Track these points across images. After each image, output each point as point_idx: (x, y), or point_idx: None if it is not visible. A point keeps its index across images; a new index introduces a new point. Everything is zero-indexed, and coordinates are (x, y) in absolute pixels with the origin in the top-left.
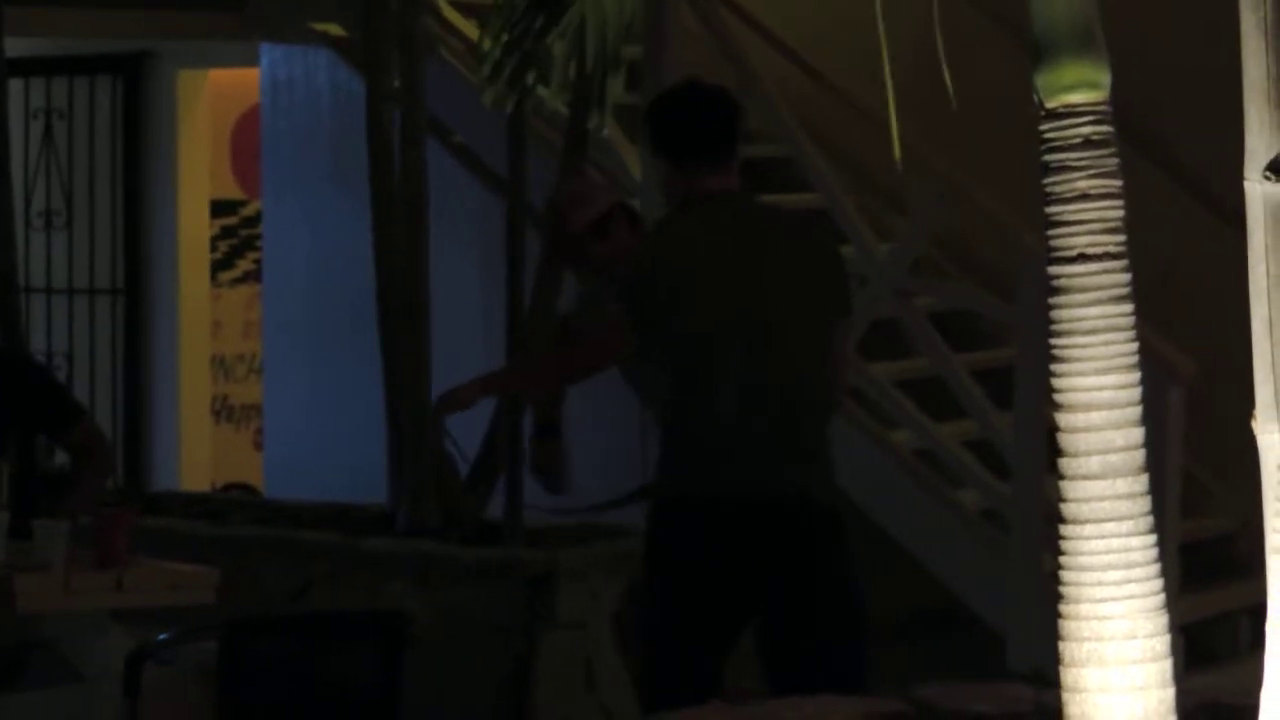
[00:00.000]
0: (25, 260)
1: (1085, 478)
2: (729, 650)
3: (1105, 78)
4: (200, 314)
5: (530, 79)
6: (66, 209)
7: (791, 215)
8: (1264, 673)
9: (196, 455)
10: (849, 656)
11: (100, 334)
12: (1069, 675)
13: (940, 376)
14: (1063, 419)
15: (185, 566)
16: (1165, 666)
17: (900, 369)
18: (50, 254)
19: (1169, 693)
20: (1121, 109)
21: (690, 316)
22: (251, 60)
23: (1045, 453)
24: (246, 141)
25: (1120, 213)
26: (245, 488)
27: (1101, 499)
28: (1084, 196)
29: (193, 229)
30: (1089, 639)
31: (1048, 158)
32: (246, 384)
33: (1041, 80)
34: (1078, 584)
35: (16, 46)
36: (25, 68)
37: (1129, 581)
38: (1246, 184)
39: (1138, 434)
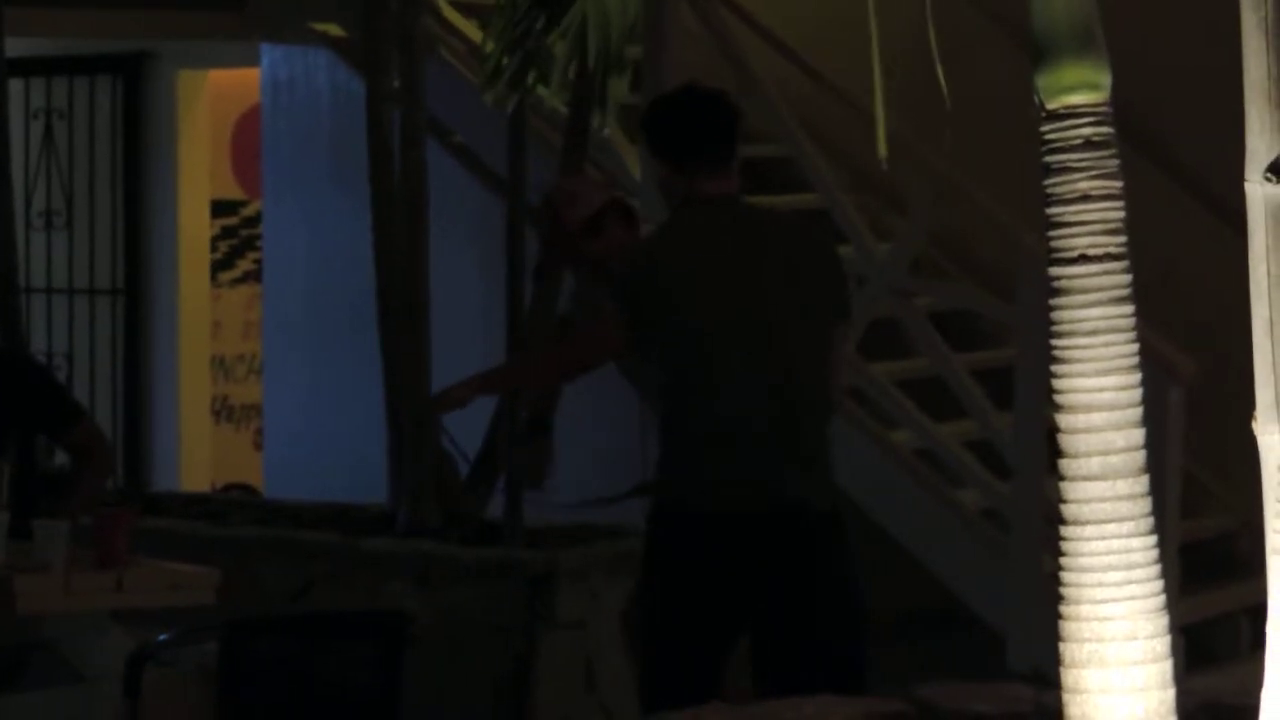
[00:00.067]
0: (25, 260)
1: (1086, 479)
2: (729, 651)
3: (1106, 79)
4: (200, 314)
5: (530, 79)
6: (66, 209)
7: (791, 218)
8: (1264, 673)
9: (196, 455)
10: (849, 657)
11: (100, 334)
12: (1069, 676)
13: (940, 376)
14: (1063, 420)
15: (185, 567)
16: (1166, 667)
17: (900, 369)
18: (50, 254)
19: (1169, 693)
20: (1122, 109)
21: (689, 318)
22: (251, 60)
23: (1045, 453)
24: (246, 142)
25: (1121, 214)
26: (245, 488)
27: (1102, 500)
28: (1085, 198)
29: (193, 229)
30: (1089, 640)
31: (1048, 159)
32: (246, 384)
33: (1042, 81)
34: (1078, 585)
35: (16, 46)
36: (25, 68)
37: (1129, 582)
38: (1247, 185)
39: (1138, 435)
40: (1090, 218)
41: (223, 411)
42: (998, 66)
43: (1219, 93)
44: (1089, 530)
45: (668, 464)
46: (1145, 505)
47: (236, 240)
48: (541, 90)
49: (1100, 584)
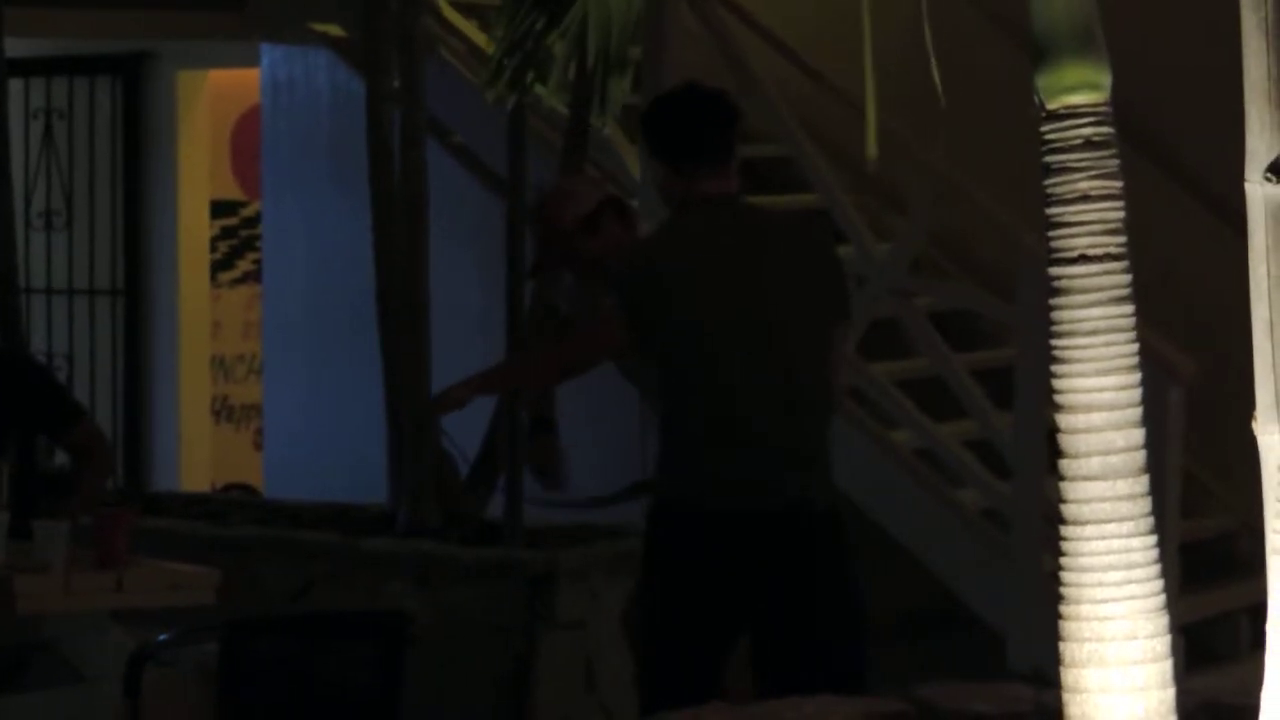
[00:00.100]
0: (25, 261)
1: (1086, 478)
2: (728, 651)
3: (1106, 79)
4: (200, 314)
5: (529, 79)
6: (66, 209)
7: (790, 218)
8: (1264, 672)
9: (196, 456)
10: (849, 657)
11: (100, 335)
12: (1069, 675)
13: (940, 376)
14: (1063, 420)
15: (185, 567)
16: (1166, 667)
17: (900, 369)
18: (50, 255)
19: (1169, 693)
20: (1122, 110)
21: (689, 318)
22: (251, 61)
23: (1045, 453)
24: (246, 142)
25: (1121, 214)
26: (245, 488)
27: (1102, 500)
28: (1085, 198)
29: (193, 229)
30: (1089, 639)
31: (1049, 159)
32: (246, 384)
33: (1042, 81)
34: (1078, 584)
35: (16, 47)
36: (25, 68)
37: (1129, 582)
38: (1247, 185)
39: (1138, 435)
40: (1090, 218)
41: (223, 412)
42: (998, 66)
43: (1219, 93)
44: (1089, 530)
45: (667, 463)
46: (1145, 505)
47: (236, 240)
48: (540, 90)
49: (1100, 583)
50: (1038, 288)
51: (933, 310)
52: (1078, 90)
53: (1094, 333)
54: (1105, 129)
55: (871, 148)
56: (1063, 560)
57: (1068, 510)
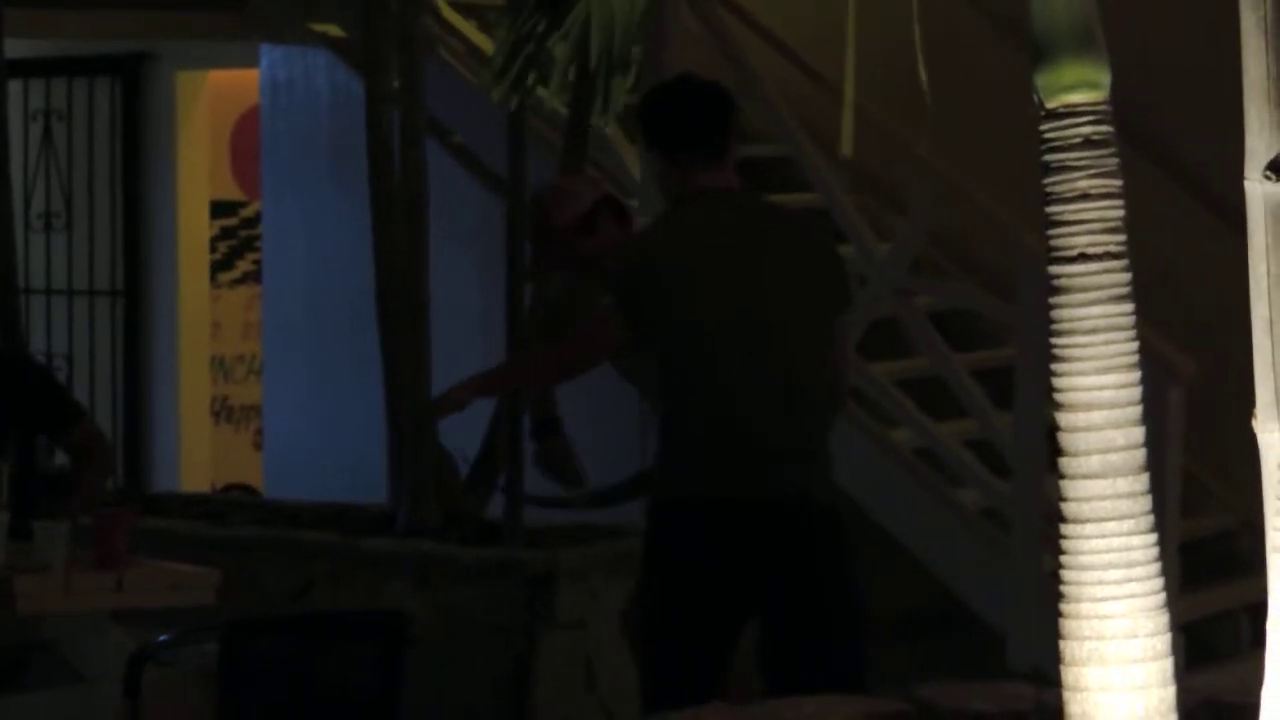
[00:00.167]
0: (25, 262)
1: (1086, 477)
2: (730, 650)
3: (1105, 77)
4: (200, 315)
5: (530, 80)
6: (66, 210)
7: (789, 211)
8: (1265, 671)
9: (196, 456)
10: (849, 656)
11: (100, 335)
12: (1070, 674)
13: (940, 376)
14: (1063, 418)
15: (185, 567)
16: (1166, 665)
17: (900, 368)
18: (50, 255)
19: (1170, 691)
20: (1121, 108)
21: (689, 317)
22: (251, 61)
23: (1045, 452)
24: (246, 142)
25: (1120, 212)
26: (245, 488)
27: (1102, 498)
28: (1084, 196)
29: (192, 230)
30: (1090, 638)
31: (1048, 158)
32: (246, 385)
33: (1041, 80)
34: (1078, 583)
35: (16, 48)
36: (24, 69)
37: (1130, 580)
38: (1247, 184)
39: (1138, 433)
40: (1090, 216)
41: (222, 412)
42: (997, 66)
43: (1218, 91)
44: (1089, 528)
45: (667, 461)
46: (1145, 503)
47: (236, 241)
48: (541, 91)
49: (1100, 582)
50: (1037, 286)
51: (932, 310)
52: (1077, 89)
53: (1094, 331)
54: (1104, 128)
55: (847, 144)
56: (1063, 559)
57: (1068, 509)
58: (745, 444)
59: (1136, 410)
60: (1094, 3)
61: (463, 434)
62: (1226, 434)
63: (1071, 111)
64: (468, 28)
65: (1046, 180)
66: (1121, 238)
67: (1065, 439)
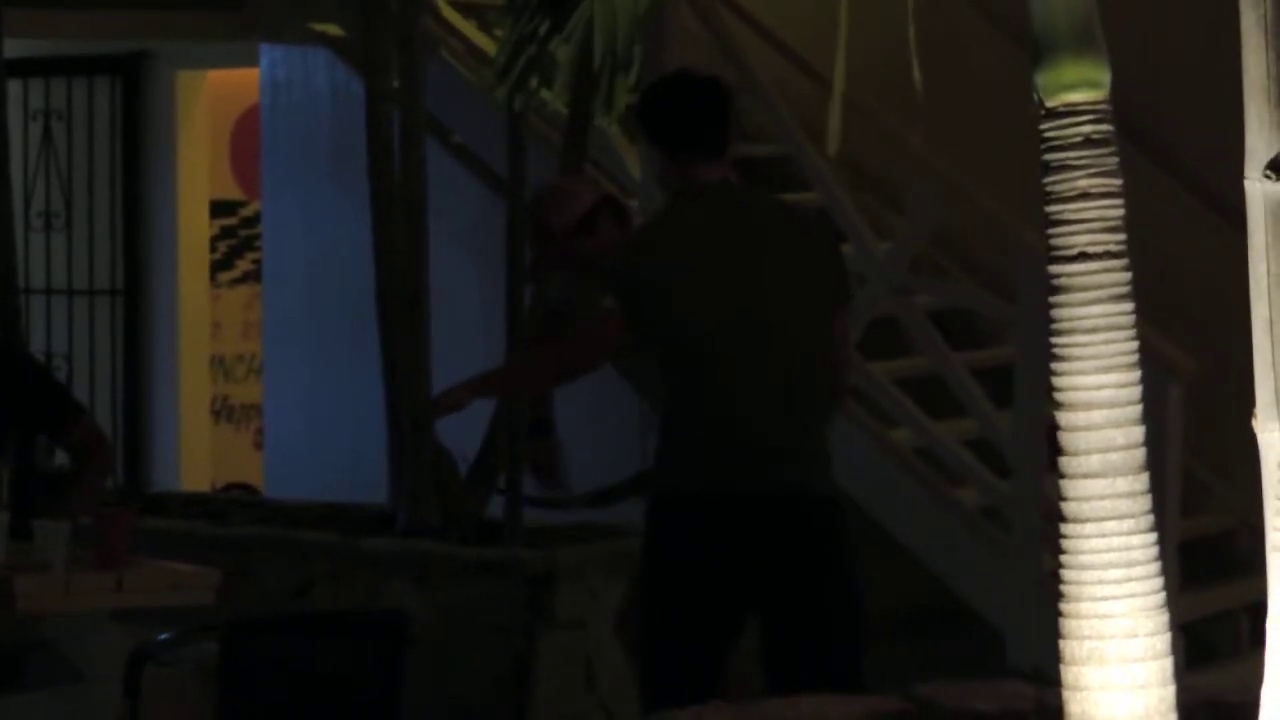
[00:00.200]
0: (25, 261)
1: (1086, 476)
2: (729, 648)
3: (1105, 76)
4: (200, 314)
5: (535, 83)
6: (66, 210)
7: (788, 206)
8: (1264, 670)
9: (196, 455)
10: (848, 655)
11: (100, 335)
12: (1069, 673)
13: (940, 375)
14: (1063, 417)
15: (185, 567)
16: (1166, 664)
17: (900, 367)
18: (50, 255)
19: (1169, 690)
20: (1122, 107)
21: (689, 318)
22: (250, 61)
23: (1045, 451)
24: (246, 142)
25: (1120, 211)
26: (245, 488)
27: (1102, 497)
28: (1084, 195)
29: (192, 229)
30: (1090, 637)
31: (1048, 156)
32: (246, 384)
33: (1041, 79)
34: (1078, 582)
35: (15, 48)
36: (24, 69)
37: (1129, 580)
38: (1246, 182)
39: (1138, 432)
40: (1090, 215)
41: (222, 411)
42: (997, 65)
43: (1218, 90)
44: (1089, 528)
45: (667, 457)
46: (1145, 502)
47: (236, 240)
48: (546, 94)
49: (1100, 581)
50: (1037, 285)
51: (932, 309)
52: (1077, 88)
53: (1094, 330)
54: (1105, 126)
55: (834, 143)
56: (1063, 558)
57: (1068, 508)
58: (745, 442)
59: (1136, 410)
60: (1094, 2)
61: (462, 434)
62: (1226, 433)
63: (1071, 110)
64: (468, 27)
65: (1046, 179)
66: (1121, 237)
67: (1065, 438)
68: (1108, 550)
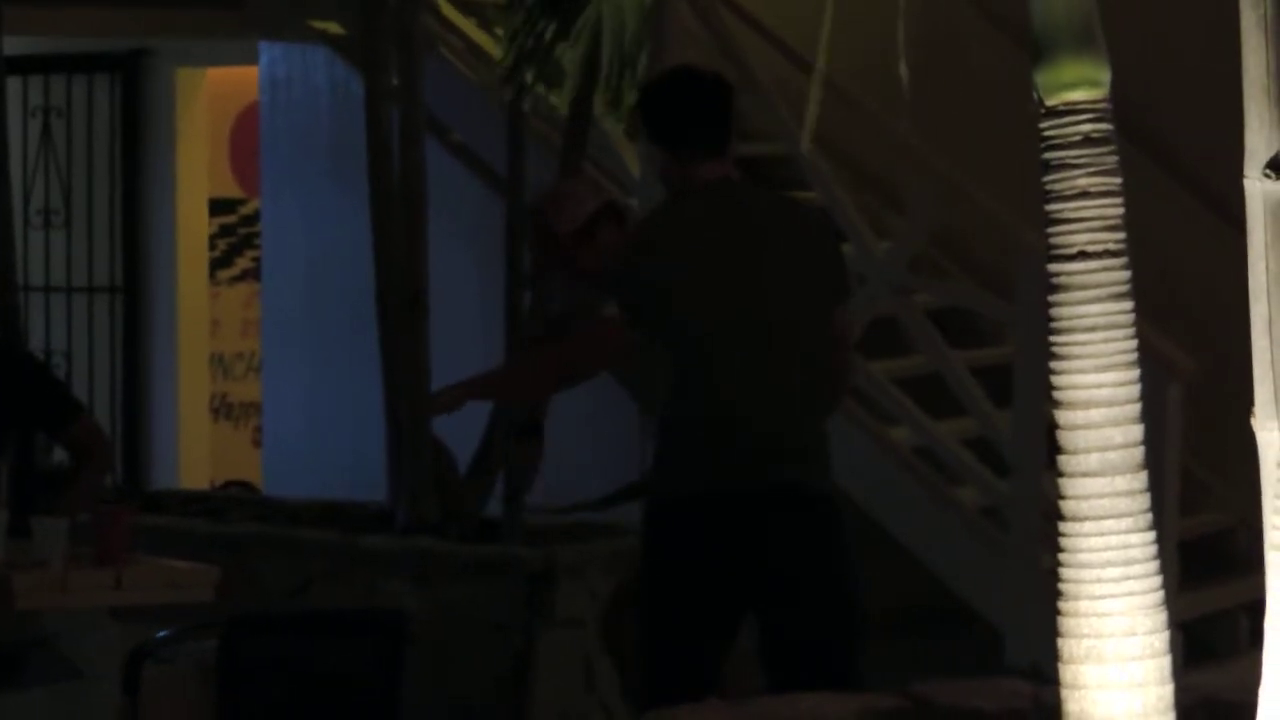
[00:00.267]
0: (24, 259)
1: (1084, 475)
2: (727, 648)
3: (1105, 75)
4: (199, 312)
5: (539, 85)
6: (65, 207)
7: (788, 202)
8: (1263, 669)
9: (195, 453)
10: (847, 653)
11: (99, 332)
12: (1068, 672)
13: (939, 374)
14: (1062, 416)
15: (184, 564)
16: (1164, 663)
17: (899, 366)
18: (49, 252)
19: (1168, 689)
20: (1121, 106)
21: (690, 319)
22: (250, 58)
23: (1044, 450)
24: (245, 140)
25: (1120, 210)
26: (244, 485)
27: (1101, 496)
28: (1084, 194)
29: (191, 227)
30: (1088, 635)
31: (1047, 155)
32: (245, 382)
33: (1041, 78)
34: (1077, 581)
35: (15, 45)
36: (23, 66)
37: (1128, 578)
38: (1246, 182)
39: (1137, 431)
40: (1089, 214)
41: (221, 409)
42: (997, 64)
43: (1218, 90)
44: (1088, 526)
45: (665, 459)
46: (1144, 501)
47: (235, 238)
48: (554, 99)
49: (1099, 580)
50: (1037, 284)
51: (932, 308)
52: (1077, 87)
53: (1093, 329)
54: (1104, 125)
55: (807, 140)
56: (1061, 556)
57: (1066, 507)
58: (745, 440)
59: (1135, 408)
60: (1094, 1)
61: (461, 432)
62: (1225, 432)
63: (1071, 109)
64: (467, 25)
65: (1046, 178)
66: (1121, 235)
67: (1064, 437)
68: (1106, 549)
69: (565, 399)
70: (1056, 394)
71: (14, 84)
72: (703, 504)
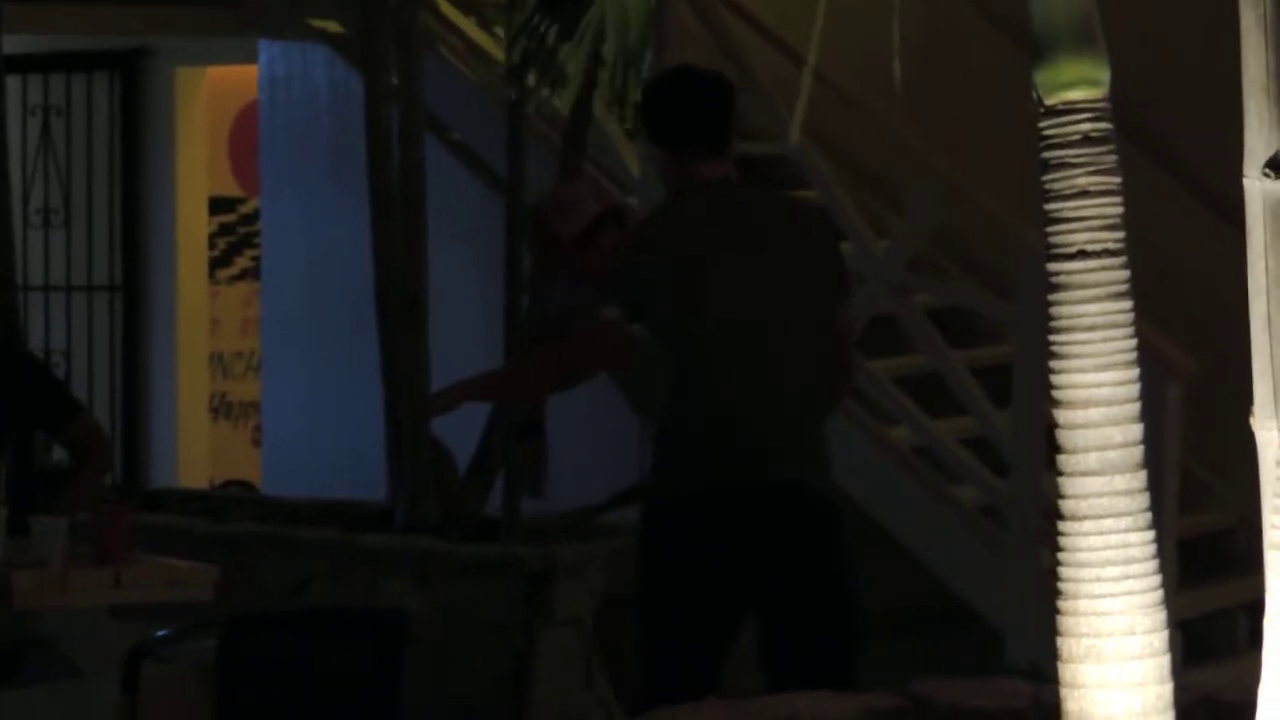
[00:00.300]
0: (23, 258)
1: (1084, 474)
2: (727, 648)
3: (1104, 74)
4: (198, 311)
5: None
6: (64, 206)
7: (788, 202)
8: (1262, 669)
9: (195, 452)
10: (846, 652)
11: (98, 331)
12: (1067, 671)
13: (938, 373)
14: (1061, 415)
15: (183, 563)
16: (1163, 662)
17: (898, 366)
18: (48, 251)
19: (1167, 688)
20: (1121, 106)
21: (688, 309)
22: (250, 57)
23: (1043, 449)
24: (245, 138)
25: (1119, 209)
26: (243, 485)
27: (1100, 495)
28: (1083, 193)
29: (191, 226)
30: (1087, 635)
31: (1047, 155)
32: (245, 381)
33: (1040, 77)
34: (1076, 580)
35: (14, 43)
36: (23, 64)
37: (1127, 578)
38: (1246, 181)
39: (1136, 430)
40: (1089, 213)
41: (221, 408)
42: (997, 64)
43: (1218, 89)
44: (1087, 525)
45: (663, 460)
46: (1143, 500)
47: (234, 237)
48: (559, 101)
49: (1098, 579)
50: (1036, 283)
51: (931, 307)
52: (1076, 86)
53: (1092, 328)
54: (1104, 124)
55: (796, 132)
56: (1060, 556)
57: (1066, 506)
58: (744, 440)
59: (1135, 408)
60: (1093, 0)
61: (461, 432)
62: (1225, 431)
63: (1071, 108)
64: (467, 24)
65: (1045, 177)
66: (1120, 235)
67: (1063, 436)
68: (1105, 548)
69: (565, 399)
70: (1056, 393)
71: (13, 83)
72: (702, 503)
